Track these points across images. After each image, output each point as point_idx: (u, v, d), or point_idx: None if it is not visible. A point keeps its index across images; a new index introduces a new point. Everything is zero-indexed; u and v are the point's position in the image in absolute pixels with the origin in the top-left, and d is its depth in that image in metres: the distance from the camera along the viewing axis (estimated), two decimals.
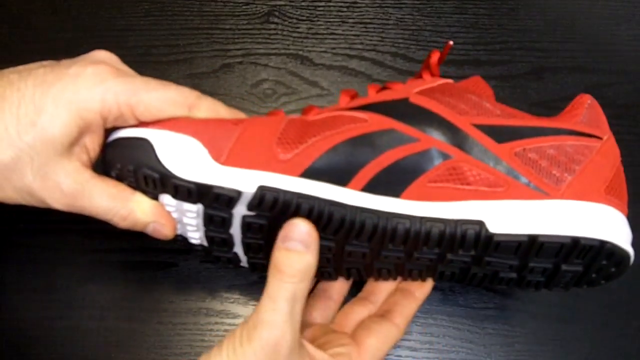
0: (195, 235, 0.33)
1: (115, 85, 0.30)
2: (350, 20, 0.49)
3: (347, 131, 0.31)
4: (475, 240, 0.29)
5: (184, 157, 0.29)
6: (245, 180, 0.29)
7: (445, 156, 0.30)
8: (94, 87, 0.29)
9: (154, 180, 0.30)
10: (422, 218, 0.30)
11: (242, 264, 0.35)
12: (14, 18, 0.47)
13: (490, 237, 0.29)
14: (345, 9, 0.49)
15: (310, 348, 0.30)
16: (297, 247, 0.28)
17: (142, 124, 0.31)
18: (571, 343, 0.40)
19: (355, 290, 0.38)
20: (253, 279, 0.40)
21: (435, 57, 0.35)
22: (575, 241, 0.29)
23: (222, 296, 0.39)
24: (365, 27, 0.49)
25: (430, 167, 0.30)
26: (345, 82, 0.47)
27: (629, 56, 0.49)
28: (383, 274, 0.34)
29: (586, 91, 0.36)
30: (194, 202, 0.30)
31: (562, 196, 0.30)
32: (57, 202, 0.31)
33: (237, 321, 0.39)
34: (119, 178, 0.31)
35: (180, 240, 0.34)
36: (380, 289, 0.36)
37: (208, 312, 0.39)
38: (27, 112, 0.29)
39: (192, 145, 0.30)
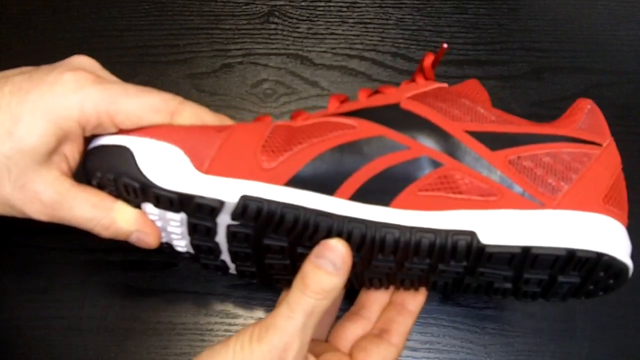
0: (181, 244, 0.32)
1: (94, 93, 0.29)
2: (350, 20, 0.49)
3: (335, 138, 0.30)
4: (466, 252, 0.29)
5: (165, 165, 0.29)
6: (228, 190, 0.28)
7: (437, 164, 0.30)
8: (72, 95, 0.29)
9: (135, 189, 0.29)
10: (412, 228, 0.29)
11: (230, 272, 0.34)
12: (14, 18, 0.47)
13: (482, 248, 0.29)
14: (345, 9, 0.49)
15: None
16: (328, 267, 0.28)
17: (122, 131, 0.30)
18: (571, 343, 0.40)
19: (347, 302, 0.37)
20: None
21: (429, 60, 0.34)
22: (571, 253, 0.28)
23: (222, 296, 0.39)
24: (365, 27, 0.49)
25: (421, 175, 0.30)
26: (345, 82, 0.47)
27: (629, 56, 0.49)
28: (374, 284, 0.33)
29: (586, 91, 0.35)
30: (177, 211, 0.30)
31: (558, 206, 0.29)
32: (38, 213, 0.30)
33: (237, 321, 0.39)
34: (100, 186, 0.31)
35: (167, 248, 0.33)
36: (372, 302, 0.35)
37: (208, 312, 0.39)
38: (3, 121, 0.28)
39: (173, 154, 0.29)
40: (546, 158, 0.30)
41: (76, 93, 0.29)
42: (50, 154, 0.29)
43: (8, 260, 0.39)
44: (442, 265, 0.30)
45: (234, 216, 0.29)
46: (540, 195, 0.30)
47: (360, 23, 0.49)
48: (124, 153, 0.29)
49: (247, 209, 0.28)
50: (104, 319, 0.38)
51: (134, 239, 0.32)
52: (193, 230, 0.30)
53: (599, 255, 0.29)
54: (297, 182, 0.29)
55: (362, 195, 0.29)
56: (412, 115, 0.31)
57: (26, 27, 0.47)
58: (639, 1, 0.51)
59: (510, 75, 0.48)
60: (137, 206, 0.31)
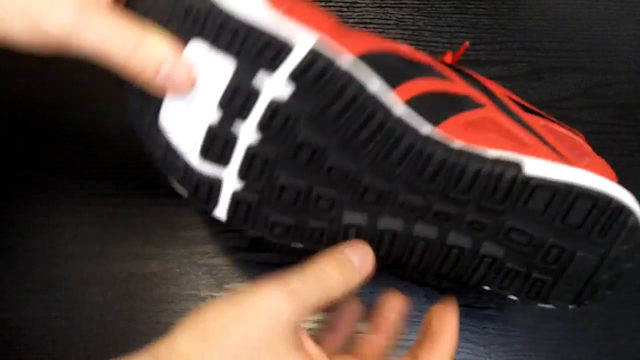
0: (195, 131, 0.28)
1: None
2: (350, 20, 0.49)
3: (395, 46, 0.31)
4: (511, 183, 0.28)
5: None
6: (301, 37, 0.26)
7: (480, 105, 0.31)
8: None
9: (198, 13, 0.25)
10: (459, 151, 0.28)
11: (217, 210, 0.30)
12: None
13: (527, 180, 0.28)
14: (345, 9, 0.49)
15: (309, 346, 0.28)
16: (355, 261, 0.29)
17: None
18: (571, 343, 0.40)
19: None
20: (253, 279, 0.40)
21: (448, 58, 0.36)
22: (608, 201, 0.28)
23: (222, 296, 0.39)
24: (365, 27, 0.49)
25: (464, 110, 0.30)
26: None
27: (629, 56, 0.49)
28: (385, 241, 0.31)
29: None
30: (234, 51, 0.26)
31: (585, 168, 0.30)
32: (56, 24, 0.24)
33: None
34: (146, 14, 0.26)
35: (167, 154, 0.29)
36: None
37: None
38: None
39: None
40: (567, 137, 0.32)
41: None
42: None
43: (8, 260, 0.39)
44: (473, 213, 0.29)
45: (297, 71, 0.26)
46: (569, 156, 0.31)
47: (360, 23, 0.49)
48: None
49: (314, 64, 0.26)
50: (104, 319, 0.38)
51: (162, 75, 0.26)
52: (231, 95, 0.27)
53: (630, 212, 0.29)
54: (364, 61, 0.28)
55: (417, 104, 0.29)
56: (456, 67, 0.33)
57: None
58: (639, 1, 0.51)
59: (510, 75, 0.48)
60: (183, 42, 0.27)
